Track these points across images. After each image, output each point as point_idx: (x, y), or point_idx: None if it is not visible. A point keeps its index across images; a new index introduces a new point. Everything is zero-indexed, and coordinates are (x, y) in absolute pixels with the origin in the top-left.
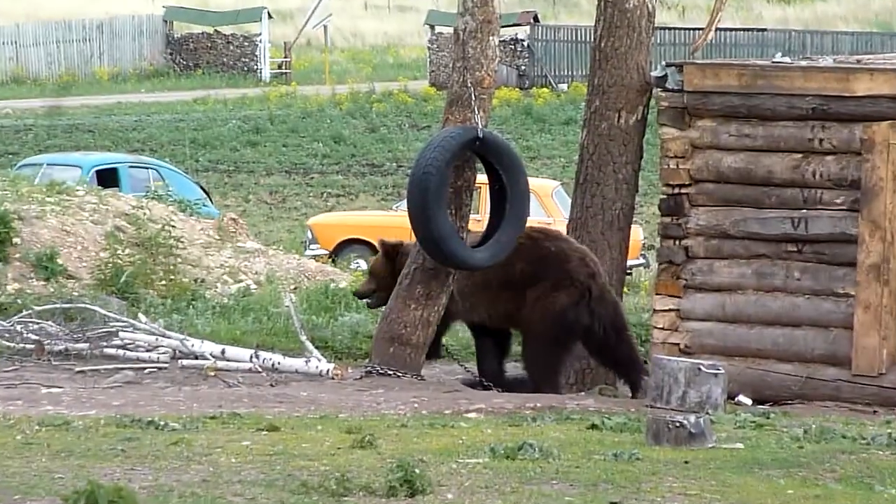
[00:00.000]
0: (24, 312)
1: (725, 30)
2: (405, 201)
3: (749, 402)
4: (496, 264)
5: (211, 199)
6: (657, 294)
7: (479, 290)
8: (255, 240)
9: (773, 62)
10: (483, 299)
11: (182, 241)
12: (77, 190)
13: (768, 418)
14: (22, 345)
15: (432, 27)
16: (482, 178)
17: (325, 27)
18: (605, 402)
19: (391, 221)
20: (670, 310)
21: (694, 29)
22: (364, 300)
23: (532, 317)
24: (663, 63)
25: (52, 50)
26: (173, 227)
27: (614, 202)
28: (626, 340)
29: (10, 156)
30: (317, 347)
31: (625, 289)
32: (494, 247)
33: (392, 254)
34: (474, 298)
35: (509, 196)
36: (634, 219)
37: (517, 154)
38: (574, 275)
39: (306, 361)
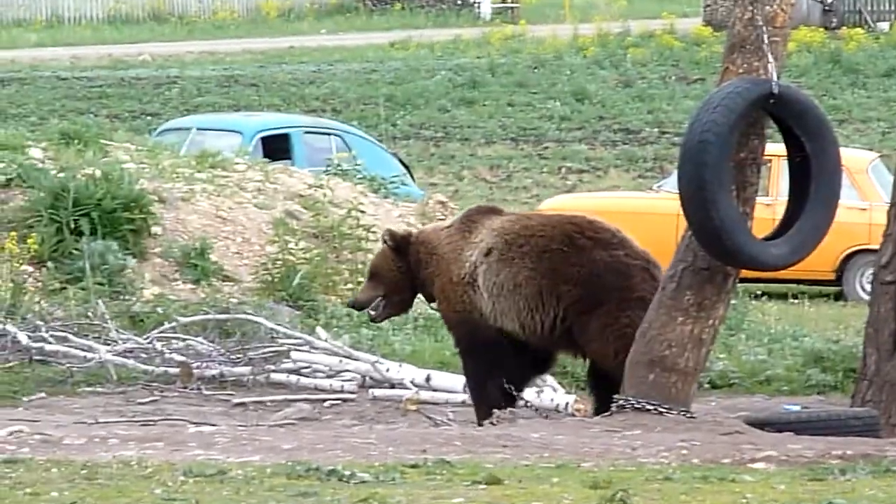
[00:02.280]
0: (166, 326)
1: None
2: (671, 179)
3: None
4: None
5: (412, 176)
6: None
7: (509, 292)
8: None
9: None
10: (514, 304)
11: (374, 232)
12: (236, 163)
13: None
14: (163, 368)
15: None
16: (772, 147)
17: None
18: None
19: (652, 205)
20: None
21: None
22: (365, 311)
23: (608, 350)
24: None
25: None
26: (363, 212)
27: None
28: None
29: (149, 117)
30: (553, 374)
31: None
32: (795, 239)
33: (403, 246)
34: (503, 302)
35: (815, 171)
36: None
37: (825, 115)
38: (639, 292)
39: (538, 392)
